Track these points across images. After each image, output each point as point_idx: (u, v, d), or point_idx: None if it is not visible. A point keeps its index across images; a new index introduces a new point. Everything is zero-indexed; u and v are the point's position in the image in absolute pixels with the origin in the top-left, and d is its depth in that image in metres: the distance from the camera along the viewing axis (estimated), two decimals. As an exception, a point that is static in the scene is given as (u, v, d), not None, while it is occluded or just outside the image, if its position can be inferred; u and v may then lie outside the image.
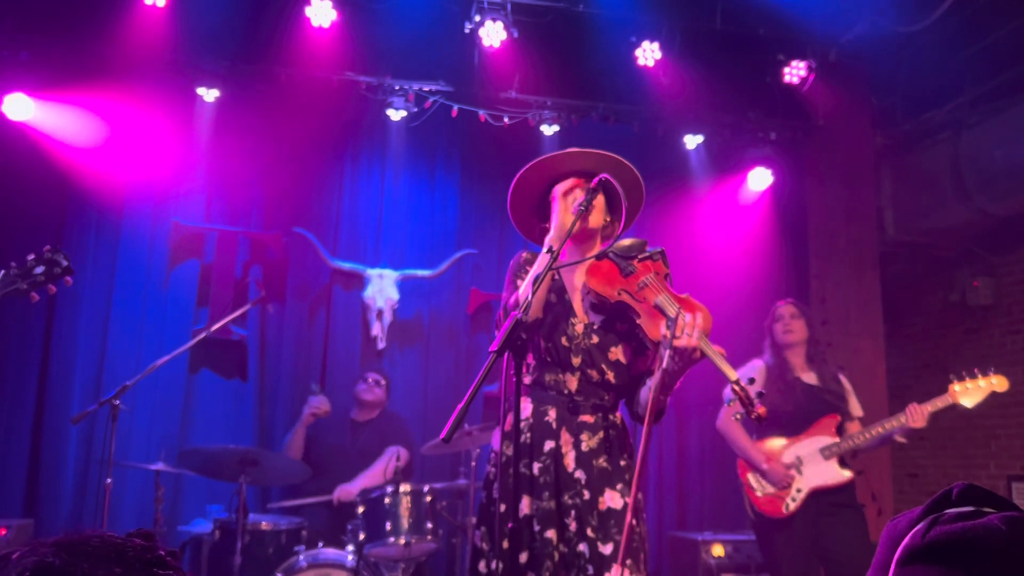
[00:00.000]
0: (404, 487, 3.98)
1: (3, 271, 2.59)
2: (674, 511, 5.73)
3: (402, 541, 3.88)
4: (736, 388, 2.27)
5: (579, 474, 2.43)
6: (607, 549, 2.36)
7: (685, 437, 5.85)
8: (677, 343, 2.23)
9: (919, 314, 6.92)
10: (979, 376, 3.99)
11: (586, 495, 2.41)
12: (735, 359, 4.22)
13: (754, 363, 4.23)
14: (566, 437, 2.45)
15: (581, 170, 2.53)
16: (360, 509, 4.02)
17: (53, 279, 2.66)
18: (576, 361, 2.47)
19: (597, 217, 2.54)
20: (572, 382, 2.47)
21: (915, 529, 0.83)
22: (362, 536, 3.93)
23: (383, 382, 4.84)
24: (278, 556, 3.95)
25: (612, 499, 2.42)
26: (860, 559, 3.82)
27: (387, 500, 3.95)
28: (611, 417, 2.52)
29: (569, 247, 2.58)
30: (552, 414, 2.47)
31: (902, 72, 6.04)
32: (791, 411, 4.04)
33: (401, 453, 4.18)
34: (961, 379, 4.02)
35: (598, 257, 2.51)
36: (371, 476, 4.44)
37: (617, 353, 2.49)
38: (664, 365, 2.25)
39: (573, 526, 2.40)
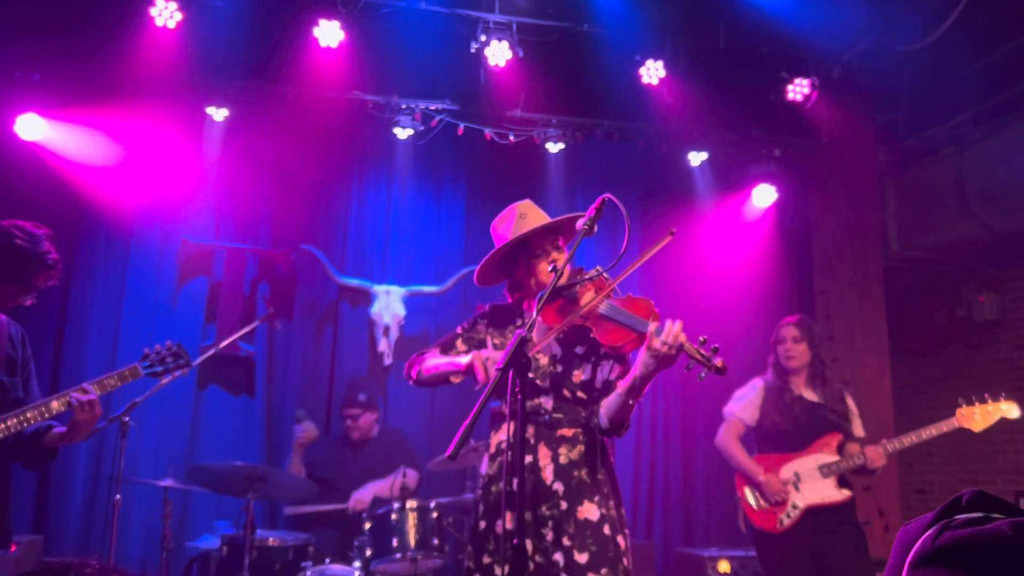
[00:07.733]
0: (410, 503, 4.00)
1: (143, 355, 3.24)
2: (680, 527, 5.72)
3: (409, 557, 3.89)
4: (689, 350, 2.29)
5: (557, 486, 2.52)
6: (583, 558, 2.43)
7: (691, 454, 5.85)
8: (662, 349, 2.28)
9: (924, 329, 6.91)
10: (988, 400, 3.86)
11: (563, 506, 2.50)
12: (739, 375, 4.25)
13: (754, 382, 4.21)
14: (544, 451, 2.56)
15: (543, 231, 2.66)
16: (367, 525, 4.04)
17: (179, 368, 3.29)
18: (545, 384, 2.61)
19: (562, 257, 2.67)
20: (548, 403, 2.60)
21: (926, 534, 0.85)
22: (369, 552, 3.95)
23: (359, 412, 4.72)
24: (285, 572, 3.97)
25: (590, 511, 2.50)
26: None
27: (394, 516, 3.96)
28: (590, 433, 2.60)
29: (539, 286, 2.69)
30: (531, 431, 2.58)
31: (905, 89, 6.08)
32: (790, 429, 4.01)
33: (409, 473, 4.17)
34: (970, 403, 3.88)
35: (550, 297, 2.59)
36: (381, 487, 4.45)
37: (580, 375, 2.63)
38: (639, 372, 2.34)
39: (550, 536, 2.49)
